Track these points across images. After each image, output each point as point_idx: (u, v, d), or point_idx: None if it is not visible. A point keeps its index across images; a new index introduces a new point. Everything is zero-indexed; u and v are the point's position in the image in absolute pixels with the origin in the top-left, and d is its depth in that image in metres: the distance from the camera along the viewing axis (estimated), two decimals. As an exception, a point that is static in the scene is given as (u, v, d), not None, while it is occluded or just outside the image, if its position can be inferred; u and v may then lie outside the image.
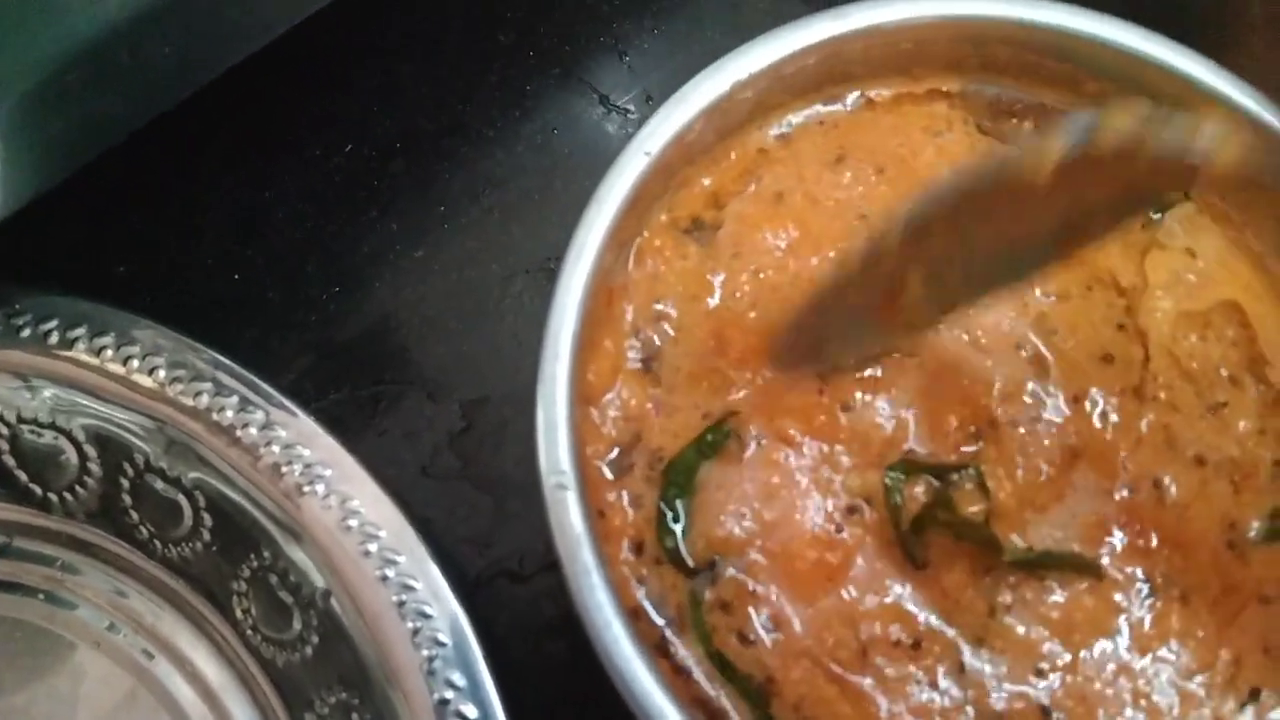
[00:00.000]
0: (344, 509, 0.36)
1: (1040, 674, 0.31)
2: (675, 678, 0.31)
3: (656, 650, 0.31)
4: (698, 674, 0.31)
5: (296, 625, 0.37)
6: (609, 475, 0.33)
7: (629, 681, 0.28)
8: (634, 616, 0.31)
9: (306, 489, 0.37)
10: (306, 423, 0.38)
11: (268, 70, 0.42)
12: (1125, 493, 0.32)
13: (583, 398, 0.33)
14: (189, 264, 0.45)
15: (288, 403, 0.38)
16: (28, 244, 0.40)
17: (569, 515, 0.30)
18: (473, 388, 0.44)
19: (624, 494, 0.33)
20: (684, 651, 0.31)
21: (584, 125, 0.48)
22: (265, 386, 0.38)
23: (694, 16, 0.49)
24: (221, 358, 0.39)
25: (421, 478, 0.43)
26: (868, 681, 0.31)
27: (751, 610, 0.31)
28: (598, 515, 0.32)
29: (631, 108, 0.48)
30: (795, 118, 0.37)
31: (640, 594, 0.32)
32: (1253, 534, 0.32)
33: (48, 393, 0.38)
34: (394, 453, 0.43)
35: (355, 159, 0.46)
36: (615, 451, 0.33)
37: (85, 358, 0.38)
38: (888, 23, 0.35)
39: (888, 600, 0.31)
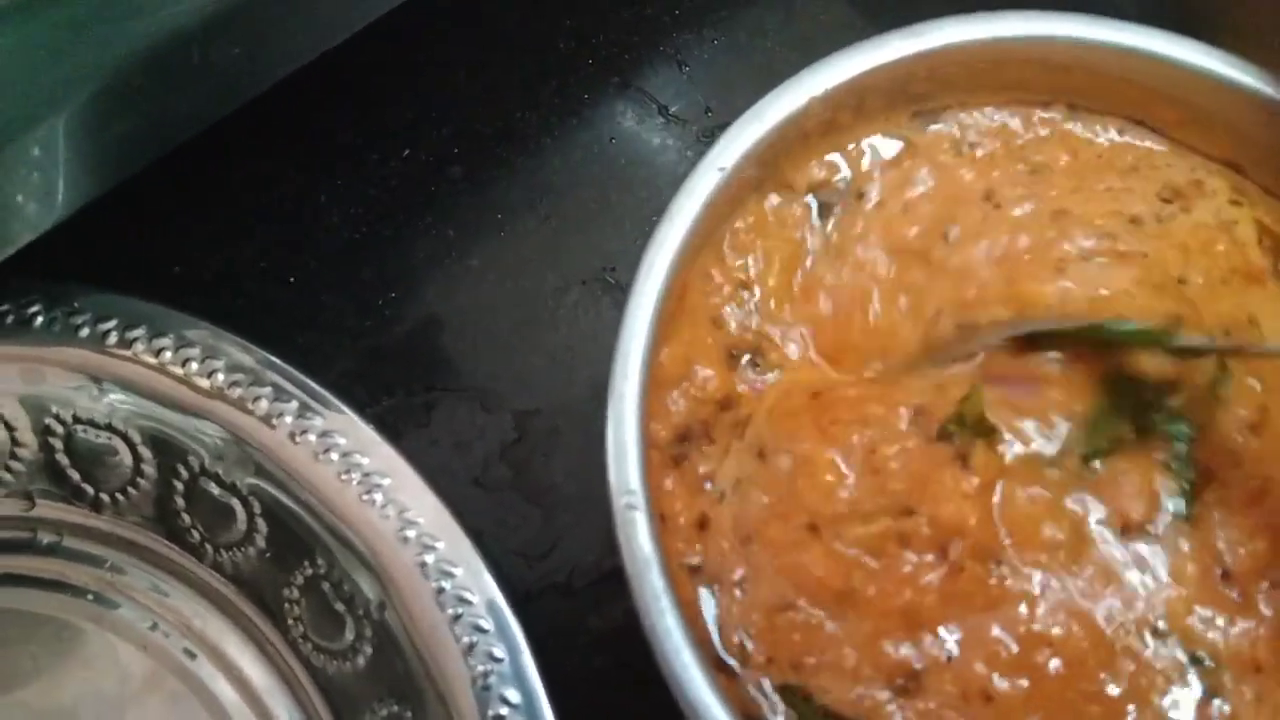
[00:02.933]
0: (402, 519, 0.36)
1: None
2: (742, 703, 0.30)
3: (719, 670, 0.31)
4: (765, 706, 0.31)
5: (349, 635, 0.37)
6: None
7: (700, 712, 0.28)
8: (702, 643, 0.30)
9: (365, 498, 0.36)
10: (365, 430, 0.37)
11: (326, 74, 0.42)
12: None
13: (655, 382, 0.33)
14: (242, 267, 0.45)
15: (346, 409, 0.37)
16: (84, 244, 0.39)
17: (639, 536, 0.29)
18: (525, 398, 0.43)
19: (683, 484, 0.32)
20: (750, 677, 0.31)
21: (641, 135, 0.47)
22: (324, 392, 0.38)
23: (754, 28, 0.49)
24: (278, 361, 0.38)
25: (473, 488, 0.42)
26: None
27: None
28: (660, 520, 0.32)
29: (689, 118, 0.48)
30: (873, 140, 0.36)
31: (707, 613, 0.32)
32: None
33: (110, 396, 0.38)
34: (445, 462, 0.42)
35: (412, 164, 0.46)
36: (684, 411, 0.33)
37: (145, 358, 0.38)
38: (968, 41, 0.34)
39: None
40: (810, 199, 0.36)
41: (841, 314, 0.34)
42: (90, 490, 0.40)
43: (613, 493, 0.30)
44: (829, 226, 0.35)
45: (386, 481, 0.37)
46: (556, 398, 0.43)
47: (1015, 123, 0.36)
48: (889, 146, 0.37)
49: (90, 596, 0.40)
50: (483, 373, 0.44)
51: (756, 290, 0.35)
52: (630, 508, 0.30)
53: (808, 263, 0.35)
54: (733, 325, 0.34)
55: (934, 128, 0.37)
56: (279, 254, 0.45)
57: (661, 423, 0.33)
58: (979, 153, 0.36)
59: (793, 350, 0.34)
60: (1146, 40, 0.35)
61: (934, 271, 0.34)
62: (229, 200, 0.45)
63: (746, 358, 0.34)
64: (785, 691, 0.30)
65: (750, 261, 0.35)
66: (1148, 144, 0.36)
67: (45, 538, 0.40)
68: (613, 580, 0.29)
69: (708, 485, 0.33)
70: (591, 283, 0.45)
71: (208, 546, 0.39)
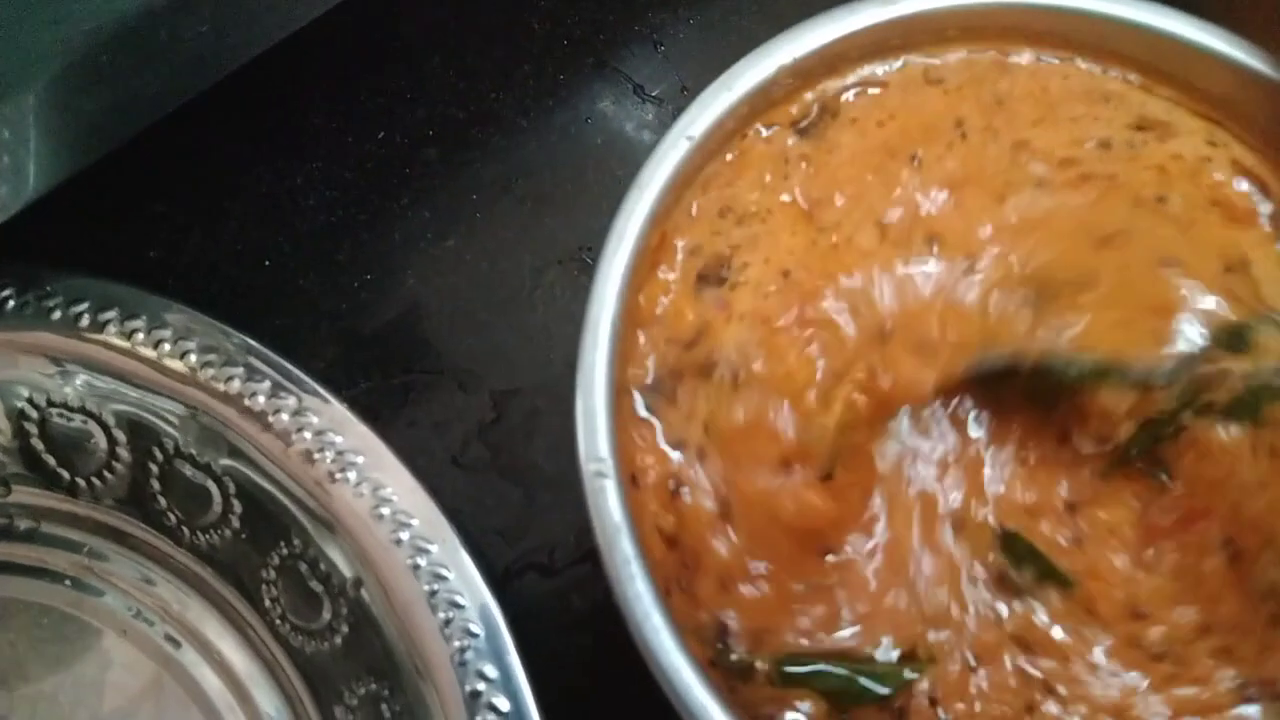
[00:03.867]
0: (376, 497, 0.36)
1: None
2: (718, 673, 0.30)
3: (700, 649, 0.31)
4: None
5: (326, 615, 0.37)
6: (643, 411, 0.32)
7: (670, 675, 0.28)
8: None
9: (338, 476, 0.36)
10: (339, 409, 0.37)
11: (300, 55, 0.42)
12: None
13: (631, 321, 0.32)
14: (218, 250, 0.44)
15: (320, 389, 0.37)
16: (57, 226, 0.39)
17: (608, 503, 0.29)
18: (503, 378, 0.43)
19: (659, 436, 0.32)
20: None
21: (618, 115, 0.47)
22: (297, 372, 0.38)
23: (729, 6, 0.49)
24: (253, 342, 0.38)
25: (451, 468, 0.42)
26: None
27: None
28: (630, 481, 0.31)
29: (666, 98, 0.47)
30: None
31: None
32: None
33: (80, 379, 0.38)
34: (424, 443, 0.42)
35: (387, 146, 0.46)
36: (651, 376, 0.32)
37: (116, 341, 0.38)
38: (942, 7, 0.34)
39: None
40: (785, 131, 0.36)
41: (816, 208, 0.34)
42: (66, 475, 0.40)
43: (582, 460, 0.30)
44: (803, 142, 0.35)
45: (360, 460, 0.36)
46: (535, 377, 0.43)
47: (987, 57, 0.36)
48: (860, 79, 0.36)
49: (68, 582, 0.40)
50: (460, 353, 0.44)
51: (730, 217, 0.34)
52: (600, 475, 0.29)
53: (785, 178, 0.35)
54: (707, 252, 0.34)
55: (907, 62, 0.36)
56: (255, 237, 0.45)
57: (639, 366, 0.33)
58: (950, 84, 0.35)
59: (761, 253, 0.34)
60: (1122, 8, 0.35)
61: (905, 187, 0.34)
62: (204, 183, 0.45)
63: (720, 273, 0.34)
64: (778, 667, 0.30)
65: (731, 191, 0.35)
66: (1124, 80, 0.36)
67: (22, 524, 0.40)
68: (594, 559, 0.29)
69: (677, 454, 0.32)
70: (569, 262, 0.45)
71: (184, 529, 0.39)
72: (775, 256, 0.33)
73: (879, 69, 0.35)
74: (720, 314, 0.33)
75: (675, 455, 0.32)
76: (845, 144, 0.35)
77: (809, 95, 0.35)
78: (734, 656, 0.30)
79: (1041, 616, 0.31)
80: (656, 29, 0.48)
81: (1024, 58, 0.35)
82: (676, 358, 0.32)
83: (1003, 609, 0.32)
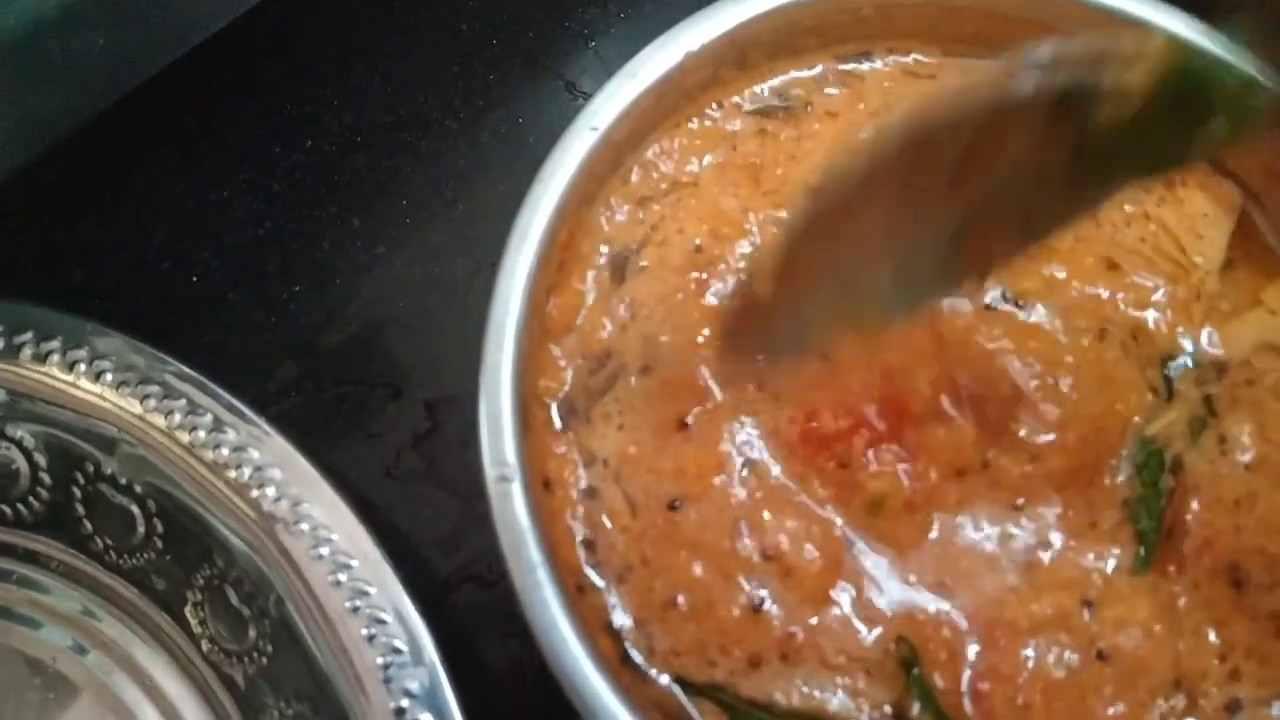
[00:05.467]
0: (295, 512, 0.35)
1: None
2: (627, 675, 0.29)
3: (610, 646, 0.30)
4: (655, 676, 0.29)
5: (252, 634, 0.36)
6: (557, 424, 0.31)
7: (575, 681, 0.27)
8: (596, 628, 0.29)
9: (257, 491, 0.35)
10: (257, 424, 0.36)
11: (221, 66, 0.41)
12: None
13: (544, 331, 0.32)
14: (144, 268, 0.44)
15: (237, 403, 0.36)
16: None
17: (513, 508, 0.28)
18: (438, 386, 0.42)
19: (574, 449, 0.31)
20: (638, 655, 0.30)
21: (551, 113, 0.46)
22: (214, 387, 0.36)
23: (660, 1, 0.48)
24: (169, 359, 0.37)
25: (385, 480, 0.41)
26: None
27: None
28: (543, 486, 0.31)
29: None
30: (755, 89, 0.35)
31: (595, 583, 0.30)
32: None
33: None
34: (357, 455, 0.41)
35: (315, 155, 0.45)
36: (567, 388, 0.32)
37: (30, 364, 0.37)
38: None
39: None
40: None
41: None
42: (-11, 503, 0.39)
43: (486, 465, 0.29)
44: (770, 128, 0.34)
45: (279, 474, 0.35)
46: (469, 384, 0.42)
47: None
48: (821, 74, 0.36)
49: (-1, 612, 0.39)
50: (393, 362, 0.43)
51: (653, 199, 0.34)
52: (504, 479, 0.29)
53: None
54: (622, 241, 0.34)
55: (870, 65, 0.36)
56: (181, 251, 0.44)
57: (552, 378, 0.32)
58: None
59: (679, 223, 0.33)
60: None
61: None
62: (128, 198, 0.44)
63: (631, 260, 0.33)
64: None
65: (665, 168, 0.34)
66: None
67: (-54, 554, 0.39)
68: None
69: (589, 468, 0.31)
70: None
71: (112, 553, 0.38)
72: (690, 226, 0.33)
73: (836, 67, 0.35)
74: (627, 313, 0.32)
75: (587, 469, 0.31)
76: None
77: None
78: (637, 661, 0.29)
79: None
80: (587, 25, 0.48)
81: None
82: (588, 376, 0.32)
83: None
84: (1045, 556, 0.30)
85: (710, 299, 0.32)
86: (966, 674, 0.29)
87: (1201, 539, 0.30)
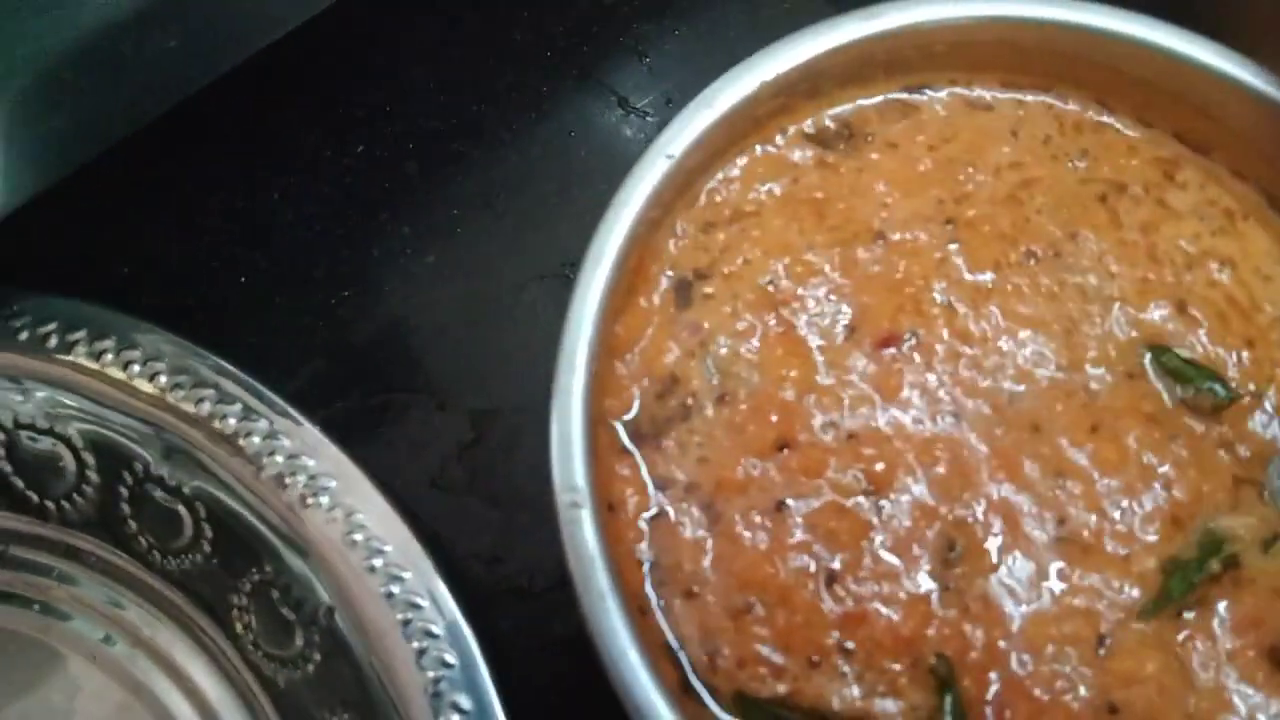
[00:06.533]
0: (349, 522, 0.35)
1: None
2: (690, 705, 0.29)
3: (672, 673, 0.30)
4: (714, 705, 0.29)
5: (298, 642, 0.36)
6: (625, 444, 0.32)
7: (644, 711, 0.27)
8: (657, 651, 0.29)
9: (310, 501, 0.35)
10: (311, 432, 0.36)
11: (276, 69, 0.41)
12: None
13: (608, 351, 0.32)
14: (193, 267, 0.44)
15: (292, 411, 0.36)
16: (27, 244, 0.38)
17: (583, 535, 0.28)
18: (483, 398, 0.42)
19: (641, 472, 0.32)
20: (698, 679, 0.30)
21: (602, 128, 0.46)
22: (269, 394, 0.37)
23: (715, 18, 0.48)
24: (225, 363, 0.37)
25: (429, 490, 0.41)
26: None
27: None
28: (607, 509, 0.31)
29: (651, 110, 0.47)
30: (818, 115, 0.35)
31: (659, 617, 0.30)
32: None
33: (41, 394, 0.37)
34: (401, 464, 0.41)
35: (367, 160, 0.45)
36: (635, 409, 0.32)
37: (84, 362, 0.37)
38: (925, 22, 0.33)
39: None
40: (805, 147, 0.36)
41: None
42: (35, 498, 0.39)
43: (557, 489, 0.29)
44: (831, 160, 0.35)
45: (333, 484, 0.36)
46: (514, 397, 0.42)
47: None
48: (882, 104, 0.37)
49: (37, 607, 0.39)
50: (439, 372, 0.43)
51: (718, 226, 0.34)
52: (575, 505, 0.29)
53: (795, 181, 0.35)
54: (686, 266, 0.34)
55: (931, 94, 0.36)
56: (231, 253, 0.44)
57: (616, 398, 0.32)
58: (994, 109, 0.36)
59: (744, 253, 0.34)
60: (1111, 21, 0.34)
61: None
62: (179, 199, 0.44)
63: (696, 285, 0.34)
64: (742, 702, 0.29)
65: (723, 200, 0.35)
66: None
67: (-11, 547, 0.39)
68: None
69: (661, 491, 0.32)
70: (550, 278, 0.44)
71: (155, 554, 0.38)
72: (756, 259, 0.33)
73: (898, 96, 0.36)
74: (693, 339, 0.32)
75: (661, 492, 0.31)
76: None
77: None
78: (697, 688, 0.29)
79: None
80: (641, 40, 0.48)
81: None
82: (655, 401, 0.32)
83: None
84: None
85: (793, 339, 0.32)
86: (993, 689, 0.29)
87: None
